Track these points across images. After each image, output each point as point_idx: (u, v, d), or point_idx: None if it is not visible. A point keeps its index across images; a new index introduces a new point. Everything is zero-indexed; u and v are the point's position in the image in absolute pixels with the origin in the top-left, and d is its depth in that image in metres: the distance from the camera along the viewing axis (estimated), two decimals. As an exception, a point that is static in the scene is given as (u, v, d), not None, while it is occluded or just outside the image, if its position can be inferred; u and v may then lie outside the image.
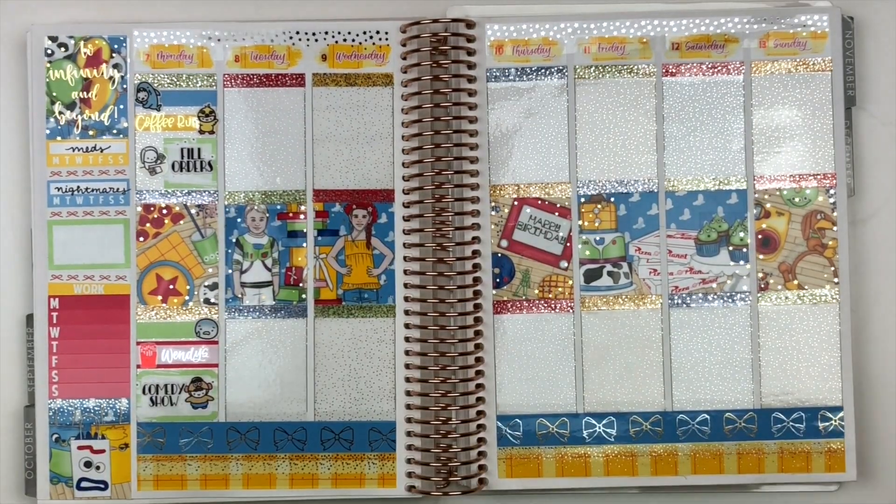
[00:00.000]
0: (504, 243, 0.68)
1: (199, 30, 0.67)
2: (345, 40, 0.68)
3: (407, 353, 0.67)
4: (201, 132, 0.67)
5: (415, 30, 0.67)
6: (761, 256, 0.68)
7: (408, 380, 0.67)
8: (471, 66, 0.67)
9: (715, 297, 0.67)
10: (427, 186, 0.67)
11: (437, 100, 0.67)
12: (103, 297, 0.67)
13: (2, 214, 0.68)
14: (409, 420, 0.67)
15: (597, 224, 0.68)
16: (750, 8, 0.68)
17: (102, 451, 0.66)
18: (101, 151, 0.67)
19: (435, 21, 0.67)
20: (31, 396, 0.67)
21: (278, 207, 0.67)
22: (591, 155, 0.68)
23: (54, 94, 0.67)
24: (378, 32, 0.68)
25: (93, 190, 0.67)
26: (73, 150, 0.67)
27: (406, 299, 0.67)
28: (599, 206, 0.68)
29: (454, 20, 0.67)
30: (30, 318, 0.67)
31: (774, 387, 0.68)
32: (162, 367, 0.67)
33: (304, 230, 0.67)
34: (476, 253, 0.67)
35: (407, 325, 0.67)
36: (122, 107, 0.67)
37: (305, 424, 0.67)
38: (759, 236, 0.68)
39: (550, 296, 0.68)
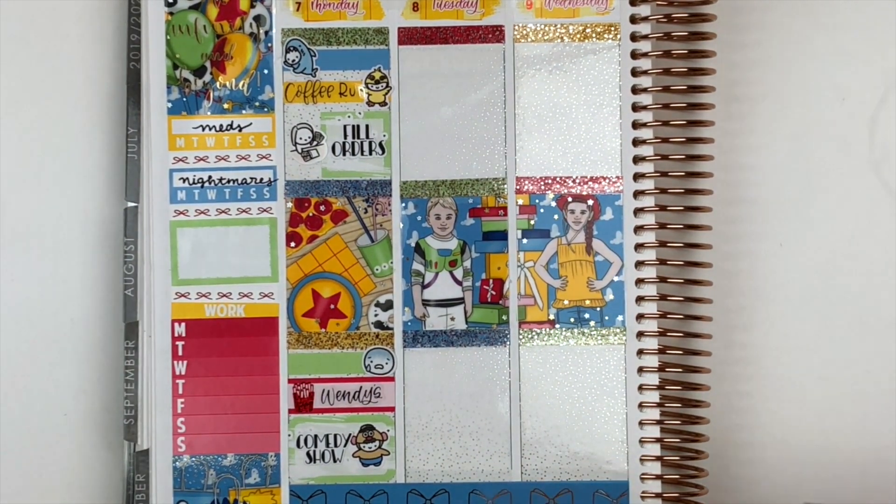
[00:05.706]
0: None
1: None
2: (556, -19, 0.60)
3: (641, 389, 0.58)
4: (370, 104, 0.59)
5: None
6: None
7: (642, 425, 0.58)
8: (707, 18, 0.59)
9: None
10: (673, 172, 0.59)
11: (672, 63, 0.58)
12: (244, 320, 0.59)
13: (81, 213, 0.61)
14: (645, 477, 0.58)
15: None
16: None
17: (244, 524, 0.60)
18: (240, 130, 0.59)
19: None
20: (140, 455, 0.59)
21: (470, 201, 0.60)
22: None
23: (177, 55, 0.59)
24: (599, -29, 0.61)
25: (229, 181, 0.59)
26: (203, 130, 0.59)
27: (640, 318, 0.59)
28: None
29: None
30: (131, 346, 0.59)
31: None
32: (321, 411, 0.59)
33: (505, 230, 0.60)
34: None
35: (640, 353, 0.58)
36: (266, 72, 0.59)
37: (510, 486, 0.59)
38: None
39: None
